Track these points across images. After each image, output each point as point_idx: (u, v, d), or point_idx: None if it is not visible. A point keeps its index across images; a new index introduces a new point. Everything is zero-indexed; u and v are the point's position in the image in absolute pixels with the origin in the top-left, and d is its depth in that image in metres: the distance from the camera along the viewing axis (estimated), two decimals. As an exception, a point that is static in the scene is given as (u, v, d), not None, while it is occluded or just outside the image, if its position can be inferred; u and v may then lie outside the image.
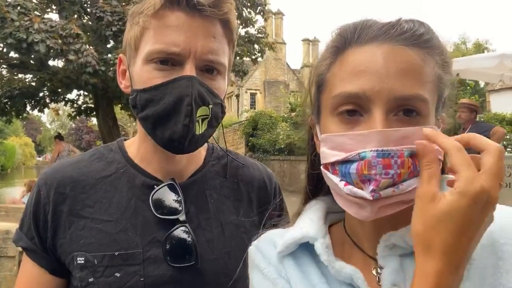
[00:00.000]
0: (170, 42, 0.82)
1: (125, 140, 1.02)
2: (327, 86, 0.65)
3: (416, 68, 0.59)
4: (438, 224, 0.51)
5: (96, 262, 0.85)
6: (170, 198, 0.90)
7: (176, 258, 0.86)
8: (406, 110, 0.59)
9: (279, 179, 1.13)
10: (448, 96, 0.67)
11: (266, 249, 0.74)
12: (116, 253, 0.85)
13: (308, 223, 0.72)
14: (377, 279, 0.64)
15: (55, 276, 0.91)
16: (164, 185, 0.91)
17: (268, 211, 0.90)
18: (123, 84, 0.94)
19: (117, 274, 0.84)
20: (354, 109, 0.60)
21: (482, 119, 11.30)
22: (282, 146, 14.22)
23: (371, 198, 0.56)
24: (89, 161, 0.95)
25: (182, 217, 0.88)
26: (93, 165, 0.94)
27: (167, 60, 0.83)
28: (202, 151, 1.02)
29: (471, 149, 0.55)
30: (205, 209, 0.94)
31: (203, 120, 0.85)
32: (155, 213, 0.88)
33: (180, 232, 0.87)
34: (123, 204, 0.90)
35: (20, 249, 3.70)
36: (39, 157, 63.67)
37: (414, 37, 0.60)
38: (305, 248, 0.70)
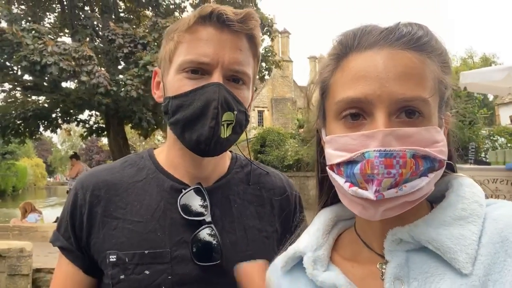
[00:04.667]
0: (201, 53, 0.90)
1: (154, 149, 1.09)
2: (330, 92, 0.67)
3: (416, 70, 0.61)
4: None
5: (127, 260, 0.90)
6: (196, 202, 0.96)
7: (202, 258, 0.91)
8: (408, 112, 0.60)
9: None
10: (450, 103, 0.69)
11: (274, 268, 0.78)
12: (146, 252, 0.90)
13: (304, 237, 0.74)
14: (381, 274, 0.64)
15: (88, 275, 0.97)
16: (191, 189, 0.97)
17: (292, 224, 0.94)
18: (156, 94, 1.03)
19: (147, 272, 0.89)
20: (357, 113, 0.62)
21: (492, 132, 11.20)
22: (291, 163, 14.20)
23: (375, 198, 0.57)
24: (122, 167, 1.02)
25: (208, 218, 0.94)
26: (126, 171, 1.01)
27: (197, 70, 0.91)
28: (226, 160, 1.08)
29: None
30: (229, 213, 0.99)
31: (228, 125, 0.91)
32: (183, 215, 0.93)
33: (205, 233, 0.92)
34: (152, 206, 0.95)
35: (34, 267, 3.76)
36: (50, 177, 64.21)
37: (412, 40, 0.62)
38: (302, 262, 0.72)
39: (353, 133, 0.61)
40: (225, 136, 0.91)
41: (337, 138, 0.64)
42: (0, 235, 7.57)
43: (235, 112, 0.92)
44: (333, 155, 0.64)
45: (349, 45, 0.66)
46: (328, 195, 0.78)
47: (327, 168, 0.68)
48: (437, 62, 0.64)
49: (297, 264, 0.73)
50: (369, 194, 0.58)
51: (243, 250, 0.96)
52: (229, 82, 0.92)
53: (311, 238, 0.73)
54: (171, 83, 0.94)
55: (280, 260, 0.75)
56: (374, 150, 0.57)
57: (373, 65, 0.61)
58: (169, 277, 0.90)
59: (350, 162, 0.61)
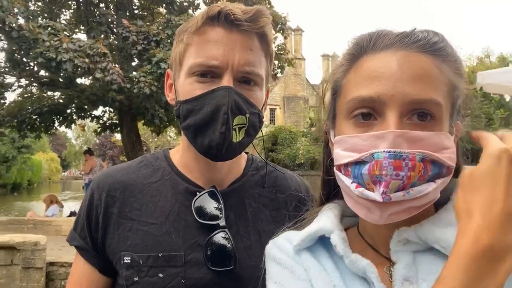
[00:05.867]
0: (210, 56, 0.88)
1: (169, 149, 1.09)
2: (342, 92, 0.67)
3: (430, 74, 0.61)
4: (475, 189, 0.52)
5: (141, 262, 0.90)
6: (211, 205, 0.95)
7: (216, 263, 0.90)
8: (420, 114, 0.60)
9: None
10: (468, 107, 0.68)
11: (283, 244, 0.75)
12: (160, 255, 0.90)
13: (325, 218, 0.73)
14: (390, 276, 0.64)
15: (103, 274, 0.98)
16: (206, 192, 0.96)
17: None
18: (169, 97, 1.02)
19: (160, 275, 0.89)
20: (369, 113, 0.62)
21: (508, 134, 10.93)
22: (302, 161, 14.17)
23: (381, 200, 0.57)
24: (137, 167, 1.02)
25: (222, 222, 0.93)
26: (141, 171, 1.01)
27: (207, 73, 0.89)
28: (242, 162, 1.07)
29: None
30: (243, 217, 0.98)
31: (240, 128, 0.90)
32: (197, 218, 0.93)
33: (219, 237, 0.92)
34: (167, 208, 0.95)
35: (48, 260, 3.87)
36: (64, 172, 65.31)
37: (428, 44, 0.62)
38: (321, 243, 0.71)
39: (363, 133, 0.61)
40: (238, 140, 0.90)
41: (346, 139, 0.63)
42: (15, 228, 7.73)
43: (247, 115, 0.90)
44: (341, 155, 0.64)
45: (365, 46, 0.66)
46: (329, 196, 0.78)
47: (334, 168, 0.67)
48: (452, 68, 0.63)
49: (314, 245, 0.72)
50: (376, 195, 0.58)
51: (258, 255, 0.93)
52: (240, 84, 0.90)
53: (334, 220, 0.72)
54: (182, 86, 0.93)
55: (298, 238, 0.72)
56: (384, 151, 0.57)
57: (388, 65, 0.61)
58: (183, 280, 0.89)
59: (359, 163, 0.61)
